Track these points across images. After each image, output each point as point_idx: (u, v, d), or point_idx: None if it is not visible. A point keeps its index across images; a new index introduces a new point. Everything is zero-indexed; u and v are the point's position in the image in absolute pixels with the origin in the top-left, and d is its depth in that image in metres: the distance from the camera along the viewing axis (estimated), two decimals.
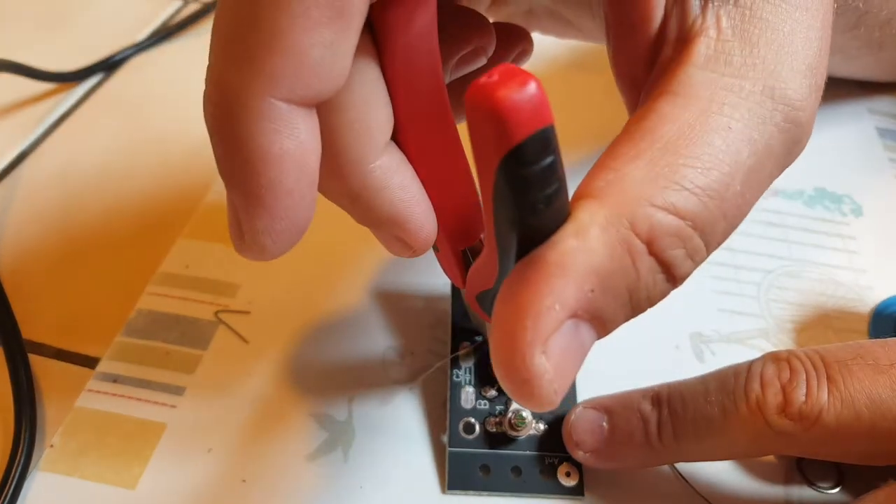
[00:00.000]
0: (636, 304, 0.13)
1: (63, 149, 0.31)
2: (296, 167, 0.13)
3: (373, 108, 0.14)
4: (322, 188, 0.15)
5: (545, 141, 0.11)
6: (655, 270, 0.13)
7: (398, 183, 0.15)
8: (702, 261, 0.13)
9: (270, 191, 0.13)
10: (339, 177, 0.15)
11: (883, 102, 0.34)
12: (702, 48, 0.14)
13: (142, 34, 0.37)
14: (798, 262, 0.27)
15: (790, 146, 0.14)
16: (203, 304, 0.25)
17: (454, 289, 0.24)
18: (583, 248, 0.12)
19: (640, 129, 0.13)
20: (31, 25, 0.38)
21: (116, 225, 0.28)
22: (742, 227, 0.29)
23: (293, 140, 0.12)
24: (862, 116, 0.33)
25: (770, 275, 0.26)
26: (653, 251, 0.13)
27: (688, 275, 0.13)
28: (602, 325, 0.13)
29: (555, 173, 0.11)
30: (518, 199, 0.12)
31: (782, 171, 0.14)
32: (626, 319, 0.13)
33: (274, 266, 0.26)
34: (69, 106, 0.33)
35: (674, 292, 0.27)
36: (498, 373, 0.12)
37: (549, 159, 0.11)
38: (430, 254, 0.26)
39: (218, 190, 0.29)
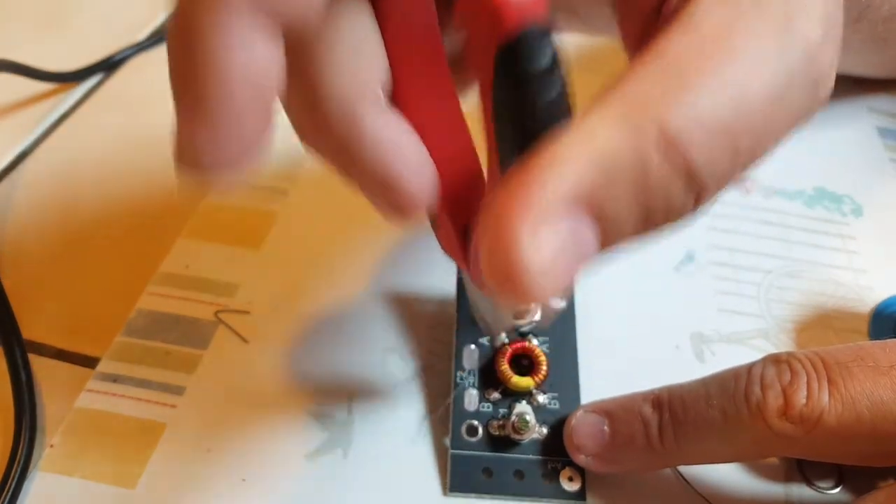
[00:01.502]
0: (647, 206, 0.12)
1: (63, 149, 0.31)
2: (242, 78, 0.12)
3: (364, 57, 0.14)
4: (309, 139, 0.15)
5: (542, 37, 0.11)
6: (671, 166, 0.12)
7: (390, 137, 0.14)
8: (724, 172, 0.12)
9: (214, 95, 0.12)
10: (326, 127, 0.14)
11: (883, 102, 0.34)
12: None
13: (142, 34, 0.37)
14: (798, 262, 0.27)
15: (810, 86, 0.13)
16: (203, 304, 0.25)
17: (460, 290, 0.24)
18: (584, 128, 0.11)
19: (638, 60, 0.12)
20: (30, 25, 0.38)
21: (117, 225, 0.28)
22: (741, 226, 0.30)
23: (247, 53, 0.11)
24: (862, 116, 0.33)
25: (770, 275, 0.26)
26: (665, 143, 0.11)
27: (710, 180, 0.12)
28: (606, 222, 0.12)
29: (554, 74, 0.11)
30: (518, 103, 0.11)
31: (808, 112, 0.14)
32: (636, 228, 0.12)
33: (274, 266, 0.26)
34: (69, 106, 0.33)
35: (673, 292, 0.27)
36: (484, 266, 0.11)
37: (547, 58, 0.11)
38: (432, 253, 0.26)
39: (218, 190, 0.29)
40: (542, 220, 0.11)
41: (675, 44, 0.12)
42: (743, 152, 0.12)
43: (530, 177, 0.11)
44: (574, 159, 0.11)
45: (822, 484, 0.21)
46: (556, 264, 0.11)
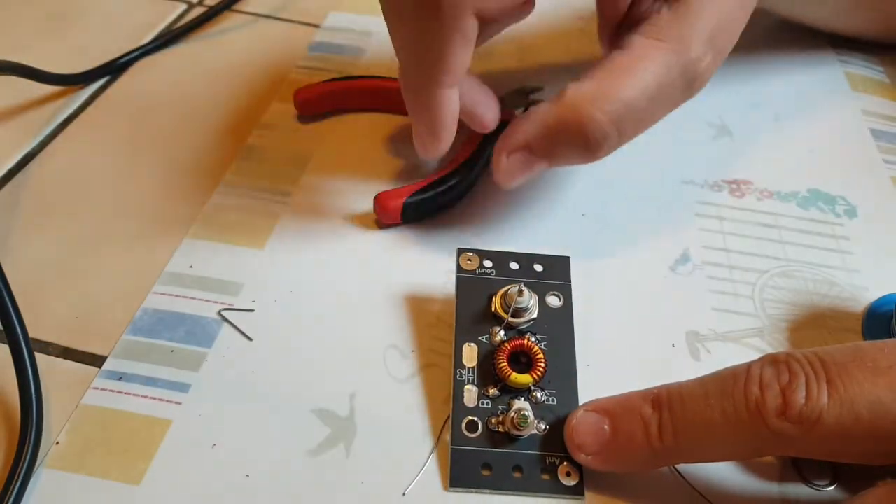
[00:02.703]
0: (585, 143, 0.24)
1: (69, 150, 0.31)
2: (449, 120, 0.25)
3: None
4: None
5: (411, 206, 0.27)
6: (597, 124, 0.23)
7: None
8: (622, 131, 0.23)
9: (439, 128, 0.25)
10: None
11: (877, 104, 0.34)
12: (644, 25, 0.23)
13: (147, 37, 0.37)
14: (792, 262, 0.27)
15: (685, 86, 0.23)
16: (207, 302, 0.25)
17: (459, 286, 0.24)
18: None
19: (597, 65, 0.24)
20: (35, 28, 0.38)
21: (122, 226, 0.28)
22: (737, 228, 0.30)
23: (451, 107, 0.25)
24: (856, 118, 0.34)
25: (765, 275, 0.27)
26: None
27: (611, 136, 0.23)
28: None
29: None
30: None
31: (682, 100, 0.24)
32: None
33: (277, 265, 0.26)
34: (75, 108, 0.33)
35: (669, 291, 0.27)
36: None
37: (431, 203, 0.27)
38: (433, 252, 0.27)
39: (222, 191, 0.29)
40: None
41: (612, 60, 0.23)
42: (631, 124, 0.23)
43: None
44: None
45: (817, 482, 0.21)
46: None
